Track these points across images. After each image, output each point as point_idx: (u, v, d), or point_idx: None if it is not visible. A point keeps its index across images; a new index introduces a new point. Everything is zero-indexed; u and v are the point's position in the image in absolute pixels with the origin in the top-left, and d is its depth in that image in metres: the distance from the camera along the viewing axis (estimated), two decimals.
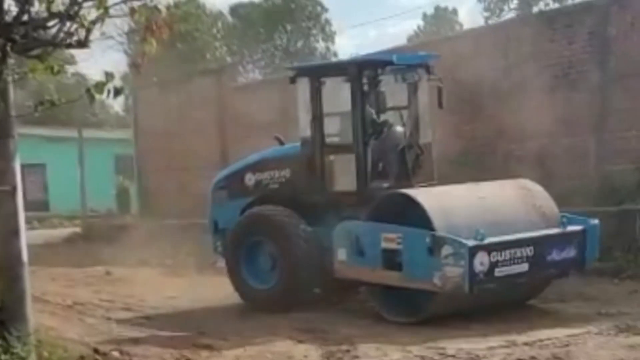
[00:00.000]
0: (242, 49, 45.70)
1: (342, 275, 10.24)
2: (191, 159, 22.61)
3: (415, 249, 9.27)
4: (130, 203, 28.23)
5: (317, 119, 10.97)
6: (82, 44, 7.29)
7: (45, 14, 7.00)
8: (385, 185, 10.54)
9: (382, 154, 10.79)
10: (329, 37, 47.79)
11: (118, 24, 8.30)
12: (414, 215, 9.41)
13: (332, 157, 10.95)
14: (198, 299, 12.22)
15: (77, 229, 24.88)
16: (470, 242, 8.92)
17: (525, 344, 8.16)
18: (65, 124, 34.01)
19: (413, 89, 11.10)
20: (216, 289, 13.27)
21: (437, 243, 9.04)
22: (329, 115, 11.07)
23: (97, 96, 6.99)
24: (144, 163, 24.92)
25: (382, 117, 10.91)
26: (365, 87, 10.67)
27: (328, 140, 11.06)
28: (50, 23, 7.00)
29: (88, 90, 6.94)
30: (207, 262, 16.69)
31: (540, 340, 8.22)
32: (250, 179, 11.85)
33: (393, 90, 10.97)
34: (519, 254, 9.25)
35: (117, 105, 47.55)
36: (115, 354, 8.44)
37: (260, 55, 46.81)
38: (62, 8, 6.93)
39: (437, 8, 51.85)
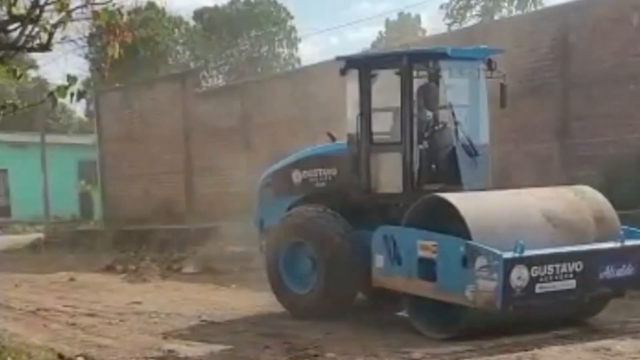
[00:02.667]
0: (206, 54, 45.53)
1: (379, 284, 9.49)
2: (155, 164, 22.52)
3: (450, 259, 8.46)
4: (93, 209, 28.03)
5: (365, 114, 10.22)
6: (44, 47, 7.23)
7: (6, 17, 6.92)
8: (434, 188, 9.62)
9: (432, 154, 10.01)
10: (293, 43, 47.83)
11: (79, 28, 8.19)
12: (453, 222, 8.58)
13: (378, 156, 10.22)
14: (162, 304, 12.16)
15: (40, 235, 24.63)
16: (507, 254, 8.05)
17: (491, 348, 8.19)
18: (27, 128, 33.67)
19: (471, 85, 10.30)
20: (180, 295, 13.25)
21: (472, 253, 8.22)
22: (379, 110, 10.33)
23: (60, 100, 6.93)
24: (107, 168, 24.75)
25: (436, 115, 10.12)
26: (417, 81, 9.93)
27: (376, 138, 10.28)
28: (12, 26, 6.93)
29: (51, 93, 6.88)
30: (171, 268, 16.71)
31: (506, 345, 8.24)
32: (297, 176, 11.09)
33: (450, 86, 10.09)
34: (564, 269, 8.34)
35: (79, 110, 47.16)
36: (81, 359, 8.35)
37: (224, 61, 46.70)
38: (23, 11, 6.86)
39: (400, 14, 52.11)
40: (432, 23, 66.27)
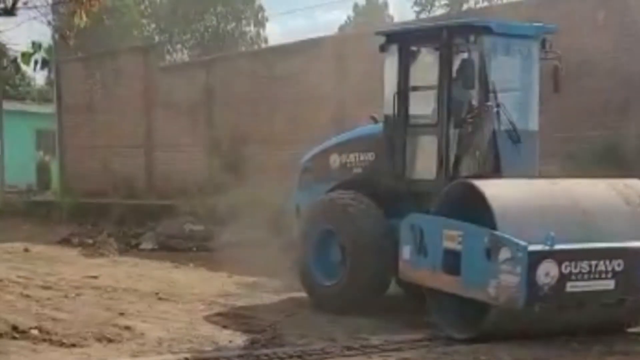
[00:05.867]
0: (171, 28, 45.09)
1: (406, 278, 8.85)
2: (115, 137, 22.27)
3: (474, 251, 7.73)
4: (50, 180, 27.63)
5: (402, 94, 9.56)
6: (9, 11, 7.10)
7: None
8: (470, 175, 8.86)
9: (471, 138, 9.14)
10: (260, 22, 47.54)
11: None
12: (482, 211, 7.81)
13: (413, 139, 9.55)
14: (119, 279, 12.07)
15: None
16: (533, 247, 7.29)
17: (449, 338, 8.21)
18: None
19: (521, 65, 9.57)
20: (138, 271, 13.16)
21: (495, 244, 7.49)
22: (417, 89, 9.62)
23: (23, 67, 6.82)
24: (66, 139, 24.42)
25: (479, 97, 9.11)
26: (456, 58, 9.14)
27: (414, 120, 9.61)
28: None
29: (14, 60, 6.78)
30: (129, 244, 16.56)
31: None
32: (335, 160, 10.42)
33: (494, 65, 9.20)
34: (602, 268, 7.53)
35: (39, 77, 46.35)
36: (35, 332, 8.27)
37: (189, 36, 46.29)
38: None
39: (368, 0, 52.10)
40: (399, 10, 66.29)
